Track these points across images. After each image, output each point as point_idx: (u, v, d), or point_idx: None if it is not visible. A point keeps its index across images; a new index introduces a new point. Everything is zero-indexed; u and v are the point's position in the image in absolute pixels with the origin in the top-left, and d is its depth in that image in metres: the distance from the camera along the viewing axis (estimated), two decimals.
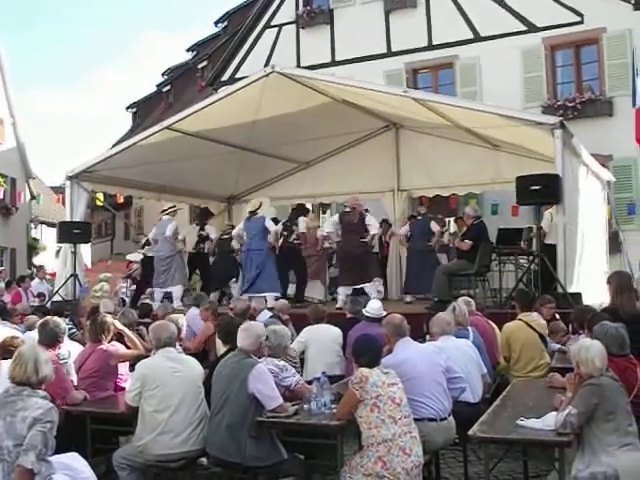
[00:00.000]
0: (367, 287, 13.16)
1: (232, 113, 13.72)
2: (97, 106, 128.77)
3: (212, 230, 16.07)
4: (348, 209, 13.76)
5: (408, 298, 14.24)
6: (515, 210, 16.35)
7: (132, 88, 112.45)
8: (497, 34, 19.90)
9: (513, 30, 19.75)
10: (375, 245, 15.51)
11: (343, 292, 13.22)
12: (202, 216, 16.46)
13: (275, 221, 14.45)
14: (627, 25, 18.45)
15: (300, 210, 15.95)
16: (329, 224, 14.16)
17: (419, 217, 15.24)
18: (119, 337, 8.05)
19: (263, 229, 13.90)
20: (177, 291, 14.70)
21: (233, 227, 15.91)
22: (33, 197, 33.23)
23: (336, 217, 14.11)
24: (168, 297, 14.56)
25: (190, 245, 15.90)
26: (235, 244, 15.21)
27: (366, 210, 14.10)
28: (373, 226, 13.55)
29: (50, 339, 7.00)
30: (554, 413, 5.31)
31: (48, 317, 7.67)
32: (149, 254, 15.66)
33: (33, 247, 34.62)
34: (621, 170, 17.82)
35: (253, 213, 14.19)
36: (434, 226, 14.87)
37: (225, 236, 15.76)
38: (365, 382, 5.62)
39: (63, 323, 7.43)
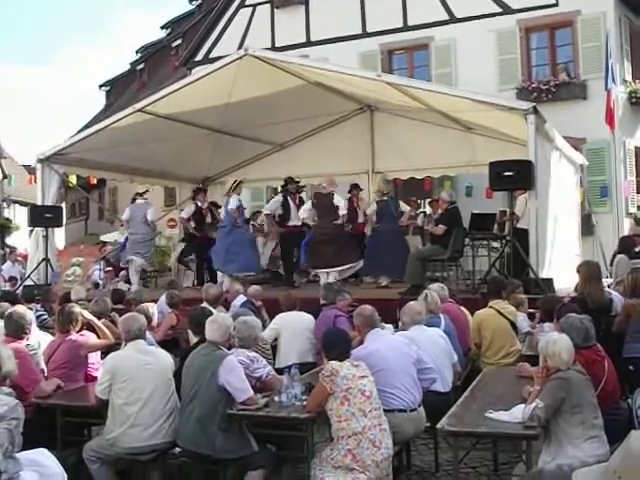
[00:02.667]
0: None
1: (206, 95, 13.62)
2: (70, 83, 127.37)
3: None
4: (324, 192, 13.87)
5: (384, 282, 13.98)
6: (489, 192, 16.37)
7: (106, 65, 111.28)
8: (472, 15, 19.85)
9: (488, 12, 19.71)
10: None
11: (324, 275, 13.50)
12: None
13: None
14: (601, 8, 18.52)
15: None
16: (304, 211, 14.14)
17: (384, 198, 14.92)
18: (90, 325, 8.00)
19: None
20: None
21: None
22: (5, 177, 32.91)
23: (309, 203, 14.18)
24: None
25: None
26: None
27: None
28: (342, 207, 13.65)
29: (16, 331, 6.94)
30: (522, 406, 5.35)
31: (13, 308, 7.58)
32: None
33: (6, 227, 34.36)
34: (594, 153, 17.90)
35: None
36: (404, 205, 14.82)
37: None
38: (335, 375, 5.63)
39: (29, 314, 7.30)
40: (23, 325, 7.01)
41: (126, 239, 15.43)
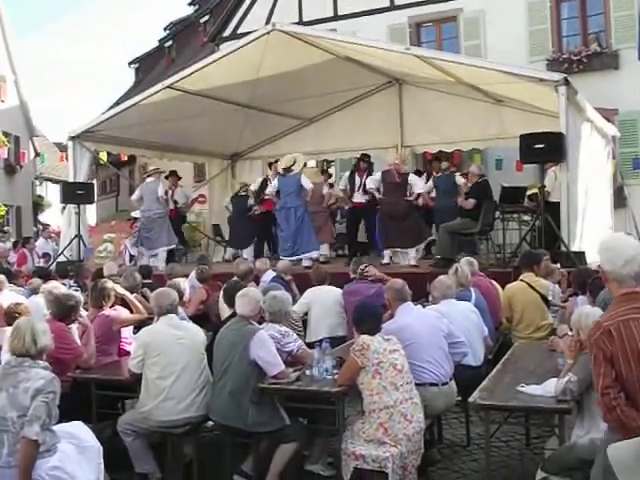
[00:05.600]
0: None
1: (234, 71, 13.64)
2: (100, 59, 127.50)
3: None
4: (388, 167, 13.38)
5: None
6: (519, 165, 16.17)
7: (135, 42, 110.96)
8: None
9: None
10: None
11: (388, 254, 13.08)
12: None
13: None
14: None
15: None
16: (371, 181, 13.59)
17: (443, 173, 14.51)
18: (123, 300, 8.08)
19: (299, 186, 13.52)
20: (163, 253, 14.71)
21: (247, 185, 15.99)
22: (37, 155, 33.13)
23: (378, 175, 13.52)
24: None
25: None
26: (250, 201, 15.55)
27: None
28: (417, 185, 13.16)
29: (62, 314, 6.95)
30: (554, 380, 5.32)
31: (60, 292, 7.56)
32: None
33: (39, 204, 34.60)
34: (627, 124, 17.67)
35: (287, 170, 13.78)
36: (459, 180, 14.22)
37: (242, 193, 15.83)
38: (366, 349, 5.65)
39: (75, 297, 7.25)
40: (70, 309, 6.97)
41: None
